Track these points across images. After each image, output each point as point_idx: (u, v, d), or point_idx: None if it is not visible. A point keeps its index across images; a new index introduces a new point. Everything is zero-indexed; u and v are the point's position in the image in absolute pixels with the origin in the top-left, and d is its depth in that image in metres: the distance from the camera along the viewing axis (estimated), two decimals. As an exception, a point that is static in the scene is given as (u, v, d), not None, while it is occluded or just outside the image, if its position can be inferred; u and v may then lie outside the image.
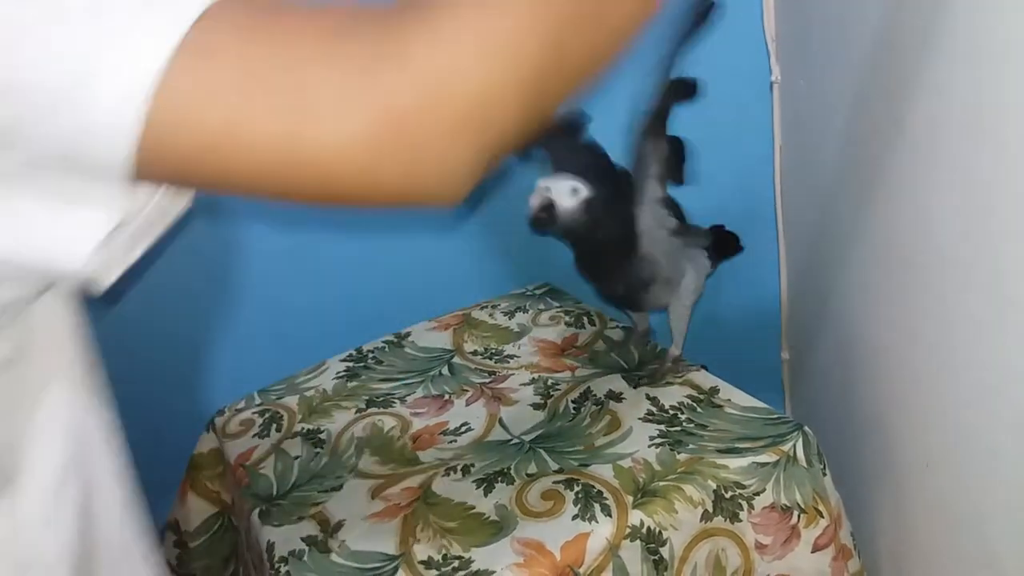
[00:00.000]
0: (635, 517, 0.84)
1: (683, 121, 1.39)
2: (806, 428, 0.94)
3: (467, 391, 1.08)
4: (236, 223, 1.27)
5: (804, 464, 0.91)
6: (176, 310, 1.31)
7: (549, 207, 0.92)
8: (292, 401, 1.10)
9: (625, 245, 0.99)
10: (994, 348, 0.90)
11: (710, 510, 0.87)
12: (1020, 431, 0.89)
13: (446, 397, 1.07)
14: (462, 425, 1.01)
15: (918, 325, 1.04)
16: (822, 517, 0.91)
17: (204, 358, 1.33)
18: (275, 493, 0.95)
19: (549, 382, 1.07)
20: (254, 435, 1.05)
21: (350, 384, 1.12)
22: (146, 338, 1.31)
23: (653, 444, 0.94)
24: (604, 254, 0.99)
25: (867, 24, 1.04)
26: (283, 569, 0.84)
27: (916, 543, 1.13)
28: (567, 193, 0.92)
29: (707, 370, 1.06)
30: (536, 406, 1.03)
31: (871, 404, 1.20)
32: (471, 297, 1.31)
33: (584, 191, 0.92)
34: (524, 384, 1.08)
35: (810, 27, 1.22)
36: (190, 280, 1.30)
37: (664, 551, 0.85)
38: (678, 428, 0.96)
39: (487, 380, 1.10)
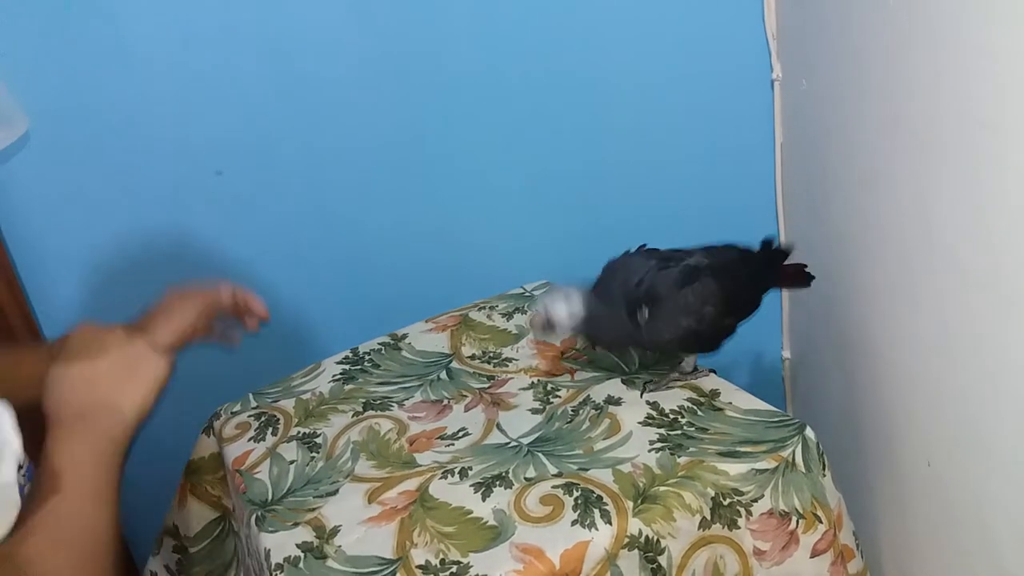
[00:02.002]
0: (633, 526, 0.84)
1: (685, 119, 1.38)
2: (808, 430, 0.93)
3: (466, 396, 1.07)
4: (228, 224, 1.26)
5: (803, 469, 0.90)
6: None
7: (548, 324, 1.00)
8: (288, 404, 1.10)
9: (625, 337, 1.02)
10: (994, 345, 0.89)
11: (708, 517, 0.86)
12: (1021, 428, 0.88)
13: (444, 402, 1.06)
14: (460, 430, 1.01)
15: (919, 323, 1.04)
16: (821, 522, 0.91)
17: (198, 357, 1.32)
18: (271, 498, 0.94)
19: (548, 387, 1.07)
20: (250, 439, 1.04)
21: (347, 387, 1.11)
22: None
23: (653, 448, 0.93)
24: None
25: (868, 22, 1.03)
26: (279, 576, 0.84)
27: (918, 540, 1.13)
28: (562, 303, 0.98)
29: (716, 374, 1.05)
30: (535, 410, 1.03)
31: (872, 402, 1.19)
32: (468, 295, 1.30)
33: (575, 296, 0.98)
34: (523, 388, 1.07)
35: (811, 25, 1.21)
36: (184, 279, 1.29)
37: (662, 559, 0.84)
38: (678, 432, 0.95)
39: (486, 385, 1.09)
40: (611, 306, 0.98)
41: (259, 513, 0.92)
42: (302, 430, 1.04)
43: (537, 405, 1.03)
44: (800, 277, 1.14)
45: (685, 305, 0.97)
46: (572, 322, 0.98)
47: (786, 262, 1.12)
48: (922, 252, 1.00)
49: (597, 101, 1.35)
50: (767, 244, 1.10)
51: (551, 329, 1.00)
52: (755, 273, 1.06)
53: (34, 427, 0.72)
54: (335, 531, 0.88)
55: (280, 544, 0.87)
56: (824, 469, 0.92)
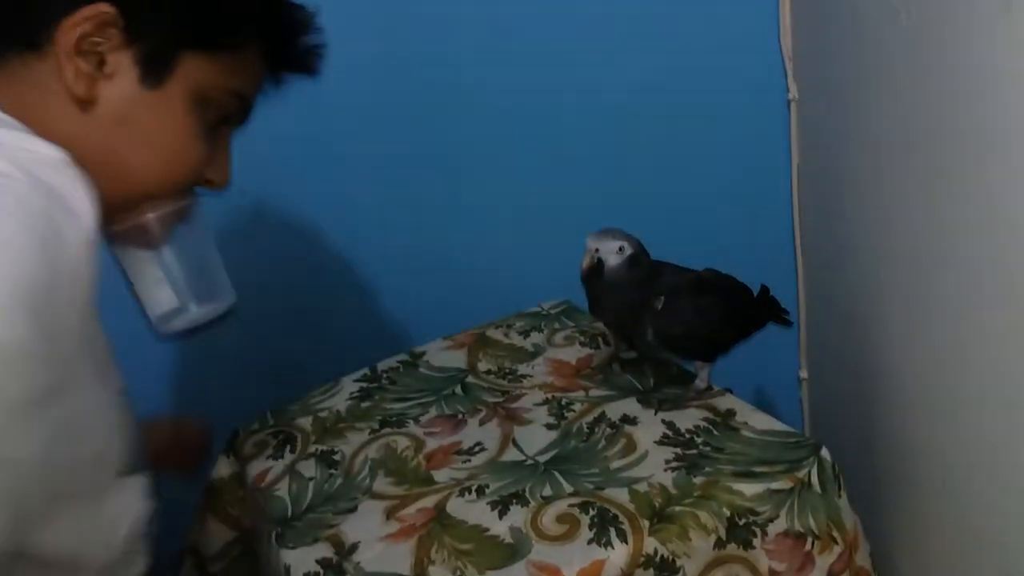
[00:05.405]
0: (649, 545, 0.84)
1: (702, 140, 1.39)
2: (823, 451, 0.93)
3: (481, 410, 1.08)
4: (245, 242, 1.28)
5: (819, 490, 0.90)
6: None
7: (598, 266, 1.00)
8: (306, 422, 1.11)
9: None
10: (1011, 365, 0.89)
11: (723, 537, 0.86)
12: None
13: (459, 417, 1.07)
14: (476, 445, 1.01)
15: (934, 343, 1.04)
16: (837, 543, 0.91)
17: (217, 375, 1.33)
18: (290, 515, 0.95)
19: (563, 402, 1.07)
20: (268, 456, 1.06)
21: (363, 405, 1.12)
22: (159, 355, 1.32)
23: (669, 468, 0.93)
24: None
25: (883, 42, 1.04)
26: (298, 592, 0.85)
27: (934, 561, 1.12)
28: (614, 252, 0.99)
29: (733, 393, 1.06)
30: (550, 426, 1.03)
31: (888, 423, 1.19)
32: (487, 314, 1.31)
33: (628, 249, 0.99)
34: (538, 404, 1.07)
35: (827, 45, 1.22)
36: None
37: (678, 579, 0.84)
38: (694, 451, 0.95)
39: (500, 400, 1.09)
40: (631, 283, 1.01)
41: (279, 530, 0.93)
42: (320, 448, 1.05)
43: (552, 420, 1.04)
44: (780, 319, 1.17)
45: (697, 307, 1.02)
46: (616, 274, 1.00)
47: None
48: (938, 273, 1.00)
49: (615, 121, 1.37)
50: (764, 291, 1.14)
51: (597, 276, 1.00)
52: (750, 307, 1.10)
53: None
54: (354, 547, 0.89)
55: (300, 560, 0.88)
56: (840, 490, 0.92)
